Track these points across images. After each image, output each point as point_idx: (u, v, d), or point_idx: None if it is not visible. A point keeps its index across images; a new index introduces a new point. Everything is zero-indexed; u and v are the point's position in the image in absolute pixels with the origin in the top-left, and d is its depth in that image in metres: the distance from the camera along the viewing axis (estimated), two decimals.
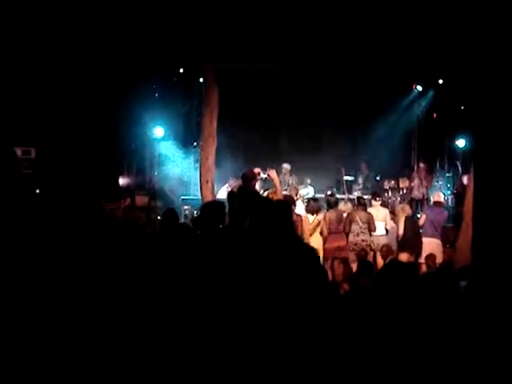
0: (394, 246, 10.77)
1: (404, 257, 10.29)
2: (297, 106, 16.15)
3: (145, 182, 16.08)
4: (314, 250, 4.54)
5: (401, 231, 11.09)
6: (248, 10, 10.76)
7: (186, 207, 13.91)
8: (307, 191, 13.66)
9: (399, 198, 13.90)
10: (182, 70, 15.85)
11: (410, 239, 10.92)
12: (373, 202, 11.67)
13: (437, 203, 11.56)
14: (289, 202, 7.60)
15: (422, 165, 14.55)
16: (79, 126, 13.27)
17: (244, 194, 5.22)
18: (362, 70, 15.38)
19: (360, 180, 15.49)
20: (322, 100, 16.07)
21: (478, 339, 3.91)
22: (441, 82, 16.22)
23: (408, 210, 11.51)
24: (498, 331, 4.09)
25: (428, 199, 13.83)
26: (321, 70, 15.55)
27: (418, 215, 12.38)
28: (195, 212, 13.26)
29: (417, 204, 13.61)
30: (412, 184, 14.15)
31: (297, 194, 12.17)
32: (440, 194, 11.91)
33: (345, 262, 8.69)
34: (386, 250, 10.09)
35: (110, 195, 13.59)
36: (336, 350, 3.69)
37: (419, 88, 16.96)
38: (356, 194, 14.48)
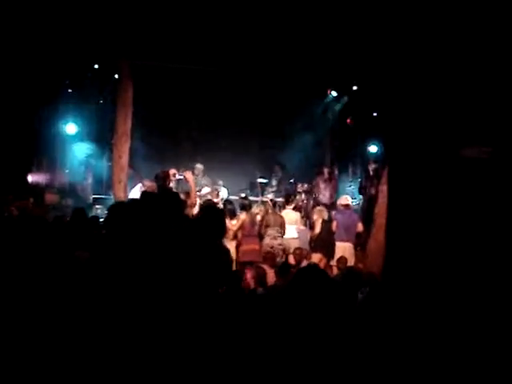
0: (306, 249, 10.88)
1: (316, 258, 10.45)
2: (211, 107, 16.09)
3: (55, 180, 15.60)
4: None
5: (317, 230, 11.16)
6: (166, 8, 10.63)
7: (97, 206, 13.60)
8: (221, 193, 13.60)
9: (312, 202, 14.02)
10: (96, 66, 15.48)
11: (324, 241, 11.05)
12: (286, 205, 11.75)
13: (344, 206, 11.71)
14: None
15: (324, 169, 14.65)
16: None
17: (164, 195, 5.12)
18: (277, 73, 15.47)
19: (274, 182, 15.53)
20: (235, 102, 16.07)
21: (388, 341, 3.97)
22: (355, 88, 16.52)
23: (325, 214, 11.60)
24: (408, 332, 4.18)
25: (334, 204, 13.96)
26: (235, 72, 15.56)
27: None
28: (106, 212, 12.97)
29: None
30: (317, 188, 14.21)
31: (218, 196, 12.12)
32: (347, 198, 12.05)
33: (258, 267, 8.80)
34: (299, 253, 10.19)
35: (17, 193, 13.10)
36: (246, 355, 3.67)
37: (334, 93, 17.21)
38: (270, 196, 14.53)
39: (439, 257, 4.93)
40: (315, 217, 11.49)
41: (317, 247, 11.02)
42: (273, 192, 15.00)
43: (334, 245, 11.08)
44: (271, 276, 9.72)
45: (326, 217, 11.51)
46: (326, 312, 3.58)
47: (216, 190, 12.29)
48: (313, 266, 5.20)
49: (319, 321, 3.55)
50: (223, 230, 4.74)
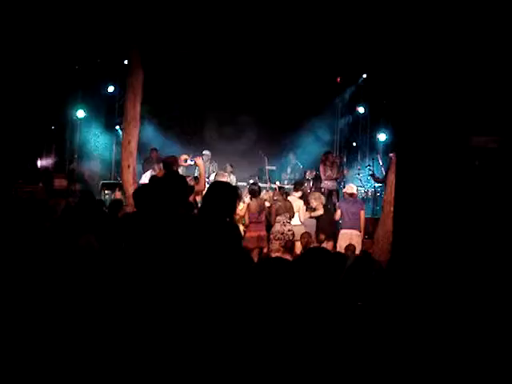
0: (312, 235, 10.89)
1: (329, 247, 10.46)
2: (221, 93, 16.09)
3: (64, 165, 15.68)
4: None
5: (320, 212, 11.33)
6: None
7: (106, 191, 13.64)
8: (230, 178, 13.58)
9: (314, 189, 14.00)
10: (106, 51, 15.52)
11: (326, 228, 11.04)
12: (293, 192, 11.73)
13: (349, 195, 11.62)
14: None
15: (330, 156, 14.57)
16: None
17: (170, 178, 5.16)
18: (288, 61, 15.46)
19: (288, 170, 15.60)
20: (246, 88, 16.07)
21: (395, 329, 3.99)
22: (364, 76, 16.52)
23: (323, 199, 11.63)
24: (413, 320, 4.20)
25: (338, 191, 13.97)
26: (246, 59, 15.56)
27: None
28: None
29: (328, 195, 13.67)
30: (323, 174, 14.16)
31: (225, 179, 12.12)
32: (352, 186, 11.86)
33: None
34: (306, 238, 10.22)
35: (27, 177, 13.19)
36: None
37: (343, 81, 17.19)
38: (278, 183, 14.54)
39: (446, 246, 4.94)
40: (315, 203, 11.48)
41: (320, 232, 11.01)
42: (287, 179, 15.05)
43: (335, 231, 11.08)
44: None
45: (323, 201, 11.55)
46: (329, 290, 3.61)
47: (224, 173, 12.23)
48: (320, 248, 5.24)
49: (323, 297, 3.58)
50: (233, 205, 4.71)
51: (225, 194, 4.54)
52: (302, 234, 10.26)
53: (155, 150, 14.19)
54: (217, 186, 4.84)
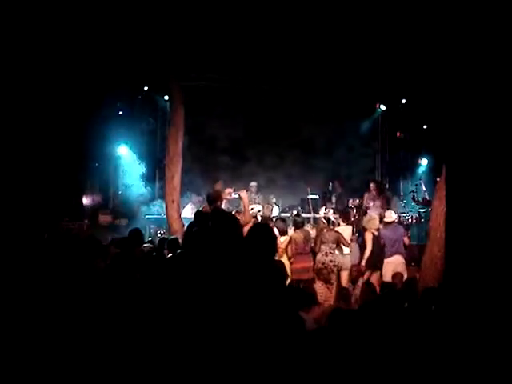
0: (363, 267, 10.76)
1: (375, 277, 10.33)
2: (260, 123, 16.14)
3: (108, 201, 15.86)
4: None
5: (368, 249, 10.95)
6: (215, 29, 10.76)
7: (151, 226, 13.74)
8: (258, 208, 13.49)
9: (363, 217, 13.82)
10: (146, 88, 15.78)
11: (375, 258, 10.83)
12: (341, 222, 11.58)
13: (389, 223, 11.40)
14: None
15: (371, 184, 14.42)
16: (41, 143, 13.03)
17: (218, 215, 5.17)
18: (326, 88, 15.48)
19: (333, 199, 15.41)
20: (285, 118, 16.13)
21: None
22: (403, 101, 16.44)
23: (376, 223, 11.31)
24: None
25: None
26: (285, 90, 15.63)
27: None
28: (159, 231, 13.14)
29: None
30: (367, 204, 14.01)
31: (271, 212, 12.08)
32: (391, 213, 11.63)
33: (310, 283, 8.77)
34: (356, 270, 10.11)
35: (72, 214, 13.37)
36: None
37: (382, 107, 17.13)
38: (326, 211, 14.46)
39: (500, 271, 4.83)
40: (365, 233, 11.22)
41: (371, 265, 10.82)
42: (332, 208, 14.88)
43: (382, 259, 10.88)
44: (324, 292, 9.62)
45: (376, 225, 11.30)
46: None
47: (270, 205, 12.17)
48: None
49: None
50: (272, 247, 4.68)
51: (266, 236, 4.53)
52: (352, 267, 10.14)
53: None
54: (258, 228, 4.80)
